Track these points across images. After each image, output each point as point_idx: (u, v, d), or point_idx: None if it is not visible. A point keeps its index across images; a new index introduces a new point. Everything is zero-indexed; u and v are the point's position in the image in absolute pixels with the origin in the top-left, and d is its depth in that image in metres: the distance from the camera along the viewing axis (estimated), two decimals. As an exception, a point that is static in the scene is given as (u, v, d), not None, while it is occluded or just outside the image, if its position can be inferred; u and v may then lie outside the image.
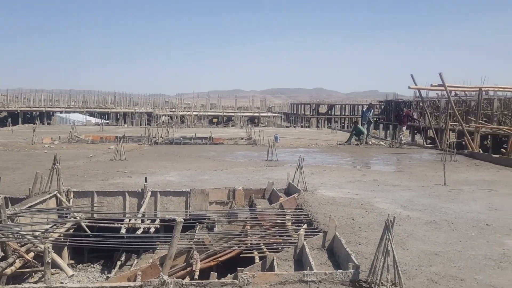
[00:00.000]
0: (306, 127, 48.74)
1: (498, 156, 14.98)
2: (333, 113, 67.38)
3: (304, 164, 8.86)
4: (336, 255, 5.15)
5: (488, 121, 30.54)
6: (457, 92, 32.96)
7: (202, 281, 4.25)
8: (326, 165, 12.98)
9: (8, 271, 5.72)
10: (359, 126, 20.35)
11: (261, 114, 56.36)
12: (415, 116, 29.63)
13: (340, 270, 4.31)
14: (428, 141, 28.55)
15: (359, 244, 5.52)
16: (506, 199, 8.36)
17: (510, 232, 6.13)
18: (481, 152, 16.49)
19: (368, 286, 4.13)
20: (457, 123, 18.69)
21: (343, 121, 63.34)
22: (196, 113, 53.34)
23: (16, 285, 4.21)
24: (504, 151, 18.34)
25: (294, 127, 45.63)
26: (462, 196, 8.58)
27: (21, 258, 6.03)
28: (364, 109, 25.14)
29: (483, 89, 18.72)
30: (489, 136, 28.60)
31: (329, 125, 54.04)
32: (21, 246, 6.28)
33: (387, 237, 4.09)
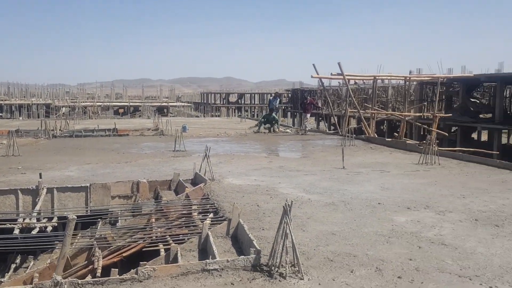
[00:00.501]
0: (217, 116, 48.80)
1: (391, 139, 16.22)
2: (243, 102, 68.20)
3: (212, 153, 8.87)
4: (240, 242, 5.23)
5: (384, 107, 32.90)
6: (357, 81, 35.05)
7: (100, 278, 4.08)
8: (234, 153, 13.11)
9: None
10: (273, 114, 20.83)
11: (170, 104, 55.28)
12: (319, 104, 31.03)
13: (242, 256, 4.39)
14: (332, 127, 30.10)
15: (263, 229, 5.66)
16: (396, 179, 9.08)
17: (399, 209, 6.67)
18: (377, 136, 17.71)
19: (268, 269, 4.25)
20: (356, 110, 19.87)
21: (253, 110, 64.38)
22: (100, 103, 50.76)
23: None
24: (397, 135, 19.91)
25: (204, 116, 45.45)
26: (358, 178, 9.16)
27: None
28: (270, 98, 25.73)
29: (377, 77, 20.10)
30: (385, 122, 30.87)
31: (239, 114, 54.62)
32: None
33: (285, 220, 4.23)
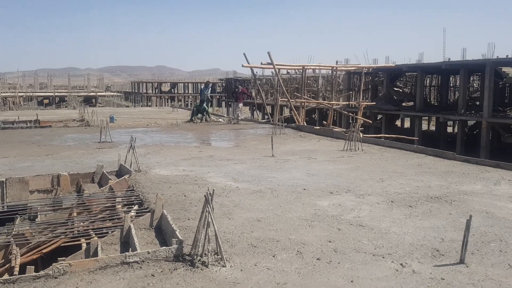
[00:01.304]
0: (148, 106, 47.62)
1: (319, 128, 16.74)
2: (176, 91, 67.03)
3: (141, 144, 8.67)
4: (163, 233, 5.16)
5: (315, 97, 33.82)
6: (289, 71, 35.67)
7: (11, 277, 3.87)
8: (164, 144, 12.88)
9: None
10: (204, 104, 20.68)
11: (99, 94, 53.17)
12: (252, 94, 31.25)
13: (164, 247, 4.34)
14: (266, 117, 30.46)
15: (188, 219, 5.63)
16: (322, 165, 9.39)
17: (322, 194, 6.91)
18: (306, 125, 18.18)
19: (191, 258, 4.24)
20: (287, 99, 20.25)
21: (186, 100, 63.53)
22: (23, 94, 47.77)
23: None
24: (325, 122, 20.57)
25: (135, 106, 44.18)
26: (286, 166, 9.36)
27: None
28: (202, 87, 25.54)
29: (306, 67, 20.56)
30: (316, 110, 31.77)
31: (172, 103, 53.67)
32: None
33: (207, 209, 4.23)
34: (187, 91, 66.63)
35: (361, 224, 5.45)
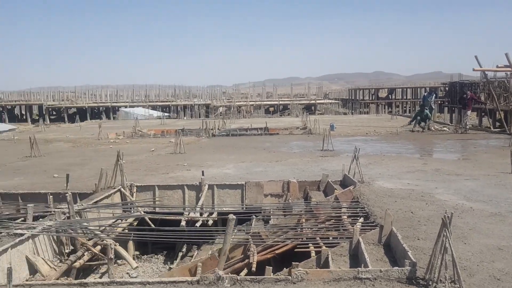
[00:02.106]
0: (365, 113, 47.57)
1: None
2: (393, 97, 65.23)
3: (361, 153, 8.71)
4: (393, 251, 5.04)
5: None
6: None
7: (257, 276, 4.33)
8: (384, 154, 12.65)
9: (77, 264, 6.13)
10: (426, 110, 19.53)
11: (318, 101, 55.67)
12: (482, 99, 28.07)
13: (396, 267, 4.23)
14: (497, 123, 26.96)
15: (418, 239, 5.37)
16: None
17: None
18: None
19: (425, 283, 4.02)
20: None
21: (404, 106, 61.14)
22: (252, 103, 53.65)
23: (82, 280, 4.50)
24: None
25: (352, 113, 44.72)
26: (532, 186, 8.07)
27: (88, 252, 6.43)
28: (425, 93, 24.08)
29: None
30: None
31: (389, 110, 52.43)
32: (88, 240, 6.70)
33: (445, 234, 3.95)
34: (405, 97, 64.11)
35: None
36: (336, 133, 18.30)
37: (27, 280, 5.41)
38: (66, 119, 47.89)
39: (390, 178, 9.03)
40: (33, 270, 5.78)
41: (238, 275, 4.66)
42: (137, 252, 8.91)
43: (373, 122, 25.43)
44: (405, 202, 7.11)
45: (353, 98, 68.42)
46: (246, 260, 6.73)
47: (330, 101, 62.53)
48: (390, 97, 65.20)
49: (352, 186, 7.90)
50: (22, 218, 7.20)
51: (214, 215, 8.74)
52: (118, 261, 7.40)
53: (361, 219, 6.32)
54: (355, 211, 6.82)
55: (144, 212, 8.45)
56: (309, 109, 49.51)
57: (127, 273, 7.49)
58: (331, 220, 6.83)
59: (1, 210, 8.05)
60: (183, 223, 8.18)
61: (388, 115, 33.13)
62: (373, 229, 5.67)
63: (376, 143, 15.58)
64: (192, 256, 8.31)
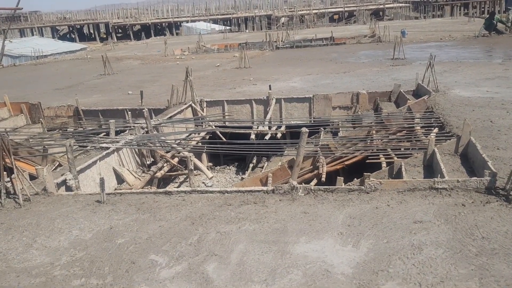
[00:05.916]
0: (439, 16, 44.06)
1: None
2: (471, -3, 59.33)
3: (436, 61, 8.23)
4: (470, 161, 4.90)
5: None
6: None
7: (330, 186, 4.43)
8: (461, 60, 11.86)
9: (159, 174, 6.59)
10: (497, 16, 17.69)
11: (386, 6, 52.03)
12: None
13: (475, 178, 4.12)
14: None
15: (498, 149, 5.15)
16: None
17: None
18: None
19: (506, 193, 3.92)
20: None
21: (482, 6, 55.70)
22: (316, 11, 51.21)
23: (167, 189, 4.84)
24: None
25: (425, 17, 41.60)
26: None
27: (168, 163, 6.86)
28: None
29: None
30: None
31: (465, 12, 48.08)
32: (166, 152, 7.12)
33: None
34: (485, -4, 58.07)
35: None
36: (408, 40, 17.25)
37: (115, 189, 5.93)
38: (131, 36, 48.84)
39: (467, 86, 8.53)
40: (120, 180, 6.31)
41: (308, 184, 4.78)
42: (211, 164, 9.38)
43: (448, 26, 23.58)
44: (483, 110, 6.75)
45: (425, 0, 63.10)
46: (316, 171, 6.87)
47: (400, 4, 58.18)
48: (468, -3, 59.31)
49: (426, 95, 7.57)
50: (105, 133, 7.74)
51: (282, 128, 8.85)
52: (194, 171, 7.86)
53: (436, 130, 6.13)
54: (429, 122, 6.60)
55: (215, 126, 8.73)
56: (377, 14, 46.55)
57: (203, 182, 7.97)
58: (403, 131, 6.69)
59: (86, 126, 8.68)
60: (252, 136, 8.40)
61: (465, 18, 30.47)
62: (449, 139, 5.50)
63: (452, 49, 14.55)
64: (262, 167, 8.61)
